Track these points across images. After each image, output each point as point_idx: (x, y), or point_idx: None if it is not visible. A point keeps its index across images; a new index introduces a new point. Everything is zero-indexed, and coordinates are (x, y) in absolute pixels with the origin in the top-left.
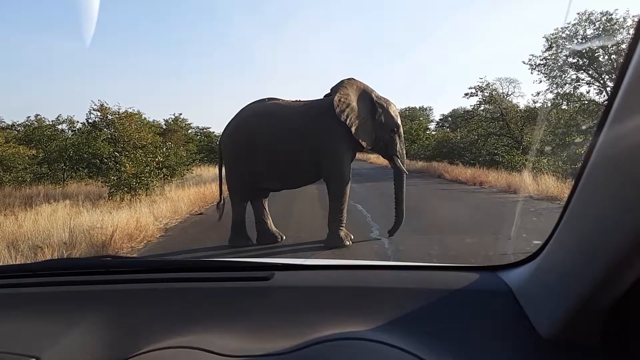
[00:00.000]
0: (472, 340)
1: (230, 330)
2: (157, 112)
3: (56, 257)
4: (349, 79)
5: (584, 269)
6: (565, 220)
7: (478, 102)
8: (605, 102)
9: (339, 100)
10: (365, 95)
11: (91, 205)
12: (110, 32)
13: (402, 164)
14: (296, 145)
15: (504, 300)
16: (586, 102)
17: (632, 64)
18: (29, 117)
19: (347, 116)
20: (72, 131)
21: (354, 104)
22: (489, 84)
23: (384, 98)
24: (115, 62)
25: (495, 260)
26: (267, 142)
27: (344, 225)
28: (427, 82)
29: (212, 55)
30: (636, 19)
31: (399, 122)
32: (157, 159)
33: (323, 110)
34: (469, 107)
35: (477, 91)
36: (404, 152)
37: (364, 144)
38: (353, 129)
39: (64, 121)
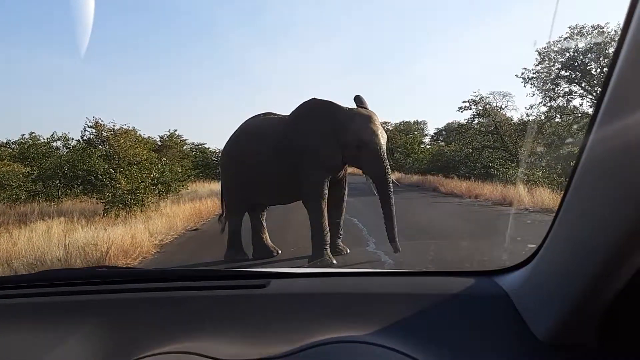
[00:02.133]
0: (470, 344)
1: (226, 336)
2: (152, 129)
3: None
4: (307, 101)
5: (577, 272)
6: (558, 225)
7: (472, 116)
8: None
9: (295, 129)
10: (324, 117)
11: (86, 222)
12: (104, 48)
13: (383, 180)
14: (278, 164)
15: (500, 304)
16: (579, 114)
17: (617, 68)
18: (23, 134)
19: (307, 144)
20: (66, 148)
21: (312, 128)
22: (482, 97)
23: (351, 114)
24: (110, 78)
25: (490, 265)
26: (254, 159)
27: (327, 242)
28: (422, 96)
29: (208, 71)
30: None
31: (367, 137)
32: (152, 175)
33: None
34: (463, 121)
35: (471, 105)
36: (383, 166)
37: (331, 167)
38: (319, 154)
39: (58, 138)
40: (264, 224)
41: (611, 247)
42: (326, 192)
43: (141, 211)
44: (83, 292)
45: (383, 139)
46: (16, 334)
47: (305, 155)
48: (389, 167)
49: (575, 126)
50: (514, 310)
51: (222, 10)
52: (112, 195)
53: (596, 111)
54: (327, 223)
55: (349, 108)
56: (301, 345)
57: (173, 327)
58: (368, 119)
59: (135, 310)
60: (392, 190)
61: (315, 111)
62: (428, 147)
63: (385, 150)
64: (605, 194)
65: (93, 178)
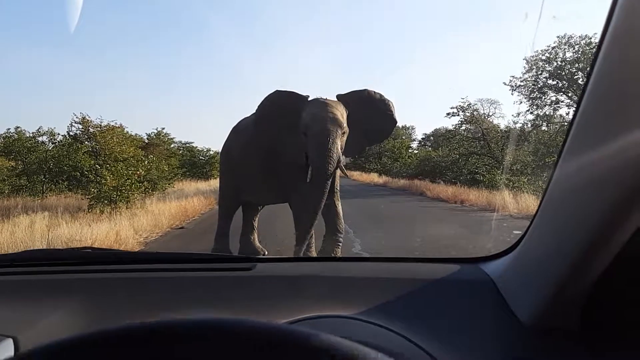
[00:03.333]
0: (454, 325)
1: (212, 314)
2: (140, 126)
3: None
4: (272, 93)
5: (559, 257)
6: (541, 213)
7: (459, 122)
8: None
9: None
10: (290, 107)
11: (70, 218)
12: (94, 44)
13: (319, 171)
14: (255, 162)
15: (484, 290)
16: (566, 123)
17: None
18: (8, 129)
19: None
20: (52, 143)
21: (274, 120)
22: (470, 104)
23: (313, 100)
24: (98, 75)
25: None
26: (238, 157)
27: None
28: (410, 102)
29: (198, 70)
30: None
31: (310, 121)
32: (138, 172)
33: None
34: (450, 127)
35: (458, 111)
36: (324, 155)
37: (296, 160)
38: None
39: (44, 133)
40: (255, 224)
41: (588, 237)
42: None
43: (126, 208)
44: (67, 272)
45: (333, 126)
46: None
47: (273, 150)
48: (333, 158)
49: (561, 135)
50: (498, 295)
51: (214, 11)
52: (97, 191)
53: (576, 112)
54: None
55: (310, 99)
56: (286, 321)
57: (158, 306)
58: (318, 104)
59: (121, 289)
60: (328, 185)
61: (278, 104)
62: (415, 152)
63: (331, 140)
64: (582, 190)
65: (78, 174)
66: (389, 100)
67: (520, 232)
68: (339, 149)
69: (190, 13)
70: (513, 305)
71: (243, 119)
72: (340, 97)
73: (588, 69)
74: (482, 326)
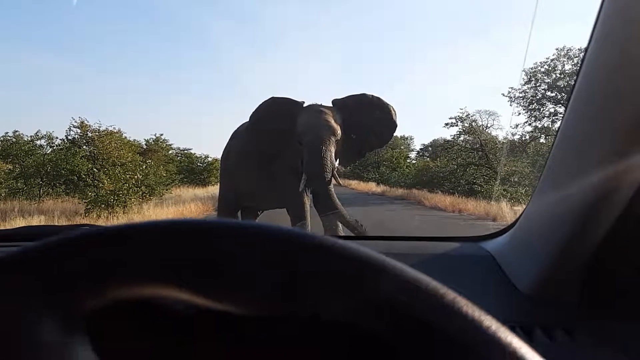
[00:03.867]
0: None
1: None
2: (139, 132)
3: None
4: (267, 100)
5: (556, 229)
6: (539, 188)
7: (458, 133)
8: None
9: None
10: (285, 114)
11: (67, 221)
12: (94, 49)
13: (314, 177)
14: (252, 167)
15: (485, 264)
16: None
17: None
18: (6, 132)
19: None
20: (50, 147)
21: (269, 127)
22: (468, 115)
23: (308, 107)
24: (98, 79)
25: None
26: (236, 162)
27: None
28: (409, 112)
29: (197, 77)
30: None
31: (303, 128)
32: (135, 177)
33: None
34: (449, 137)
35: (457, 121)
36: (317, 161)
37: (292, 165)
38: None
39: (42, 137)
40: None
41: (582, 210)
42: (306, 195)
43: (123, 212)
44: None
45: (326, 134)
46: None
47: (270, 156)
48: (327, 167)
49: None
50: (498, 269)
51: (214, 17)
52: (94, 195)
53: (578, 74)
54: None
55: (305, 105)
56: None
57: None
58: (312, 111)
59: None
60: (328, 192)
61: (273, 111)
62: (414, 162)
63: (324, 147)
64: (577, 166)
65: (76, 178)
66: (388, 105)
67: (520, 209)
68: (333, 157)
69: (190, 19)
70: (513, 277)
71: (242, 125)
72: (336, 102)
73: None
74: (484, 298)
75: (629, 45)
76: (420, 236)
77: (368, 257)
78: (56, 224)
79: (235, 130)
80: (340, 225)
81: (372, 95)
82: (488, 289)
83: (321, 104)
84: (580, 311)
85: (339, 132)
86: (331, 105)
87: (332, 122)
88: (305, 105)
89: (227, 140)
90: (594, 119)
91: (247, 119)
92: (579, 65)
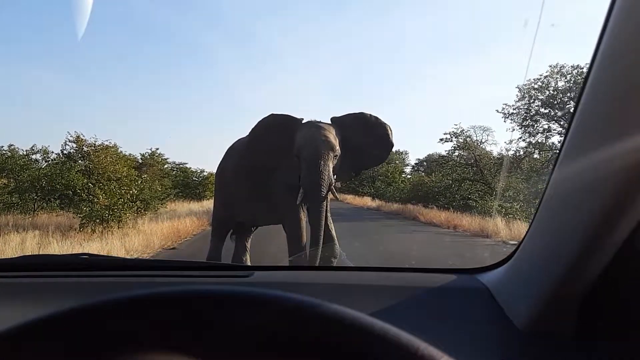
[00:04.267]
0: (451, 333)
1: None
2: (134, 146)
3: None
4: (267, 117)
5: (553, 264)
6: (535, 223)
7: (453, 148)
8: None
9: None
10: (284, 130)
11: (61, 236)
12: (90, 64)
13: (311, 193)
14: (246, 183)
15: (481, 299)
16: (557, 151)
17: (580, 106)
18: (1, 146)
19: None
20: (46, 162)
21: (268, 143)
22: (463, 130)
23: (307, 123)
24: (93, 94)
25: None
26: (233, 179)
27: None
28: (404, 127)
29: (194, 91)
30: None
31: (301, 143)
32: (131, 192)
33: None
34: (444, 153)
35: (452, 137)
36: (314, 177)
37: (290, 182)
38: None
39: (38, 151)
40: (247, 246)
41: (579, 246)
42: (302, 211)
43: (118, 227)
44: (65, 276)
45: (325, 149)
46: None
47: (267, 173)
48: (324, 181)
49: (553, 163)
50: (494, 303)
51: (210, 33)
52: (89, 210)
53: (570, 121)
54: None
55: (304, 122)
56: None
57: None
58: (311, 127)
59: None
60: (323, 208)
61: (272, 127)
62: (409, 176)
63: (323, 162)
64: (575, 200)
65: (71, 192)
66: (385, 124)
67: (516, 243)
68: (331, 172)
69: (187, 35)
70: (509, 312)
71: (238, 140)
72: (334, 120)
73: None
74: (479, 333)
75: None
76: (415, 267)
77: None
78: (50, 239)
79: (231, 146)
80: (335, 254)
81: (370, 114)
82: (484, 325)
83: (320, 121)
84: (576, 345)
85: (338, 148)
86: (330, 122)
87: (331, 137)
88: (303, 121)
89: (223, 156)
90: (595, 153)
91: (244, 135)
92: (572, 82)
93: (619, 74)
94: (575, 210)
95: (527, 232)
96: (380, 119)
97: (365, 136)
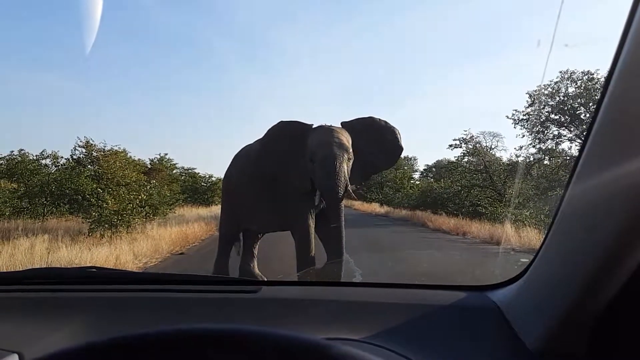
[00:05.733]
0: (461, 353)
1: None
2: (143, 151)
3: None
4: (277, 124)
5: (566, 285)
6: (549, 241)
7: (462, 154)
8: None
9: (263, 153)
10: (295, 136)
11: (70, 241)
12: (101, 70)
13: (330, 197)
14: (254, 189)
15: (491, 317)
16: (568, 157)
17: (596, 123)
18: (12, 151)
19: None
20: (55, 166)
21: (280, 149)
22: (472, 136)
23: (318, 127)
24: (103, 99)
25: (483, 280)
26: (241, 185)
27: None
28: (413, 133)
29: (202, 97)
30: None
31: (316, 147)
32: (140, 197)
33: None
34: (452, 158)
35: (461, 143)
36: (332, 180)
37: (300, 188)
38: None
39: (48, 156)
40: (255, 252)
41: (594, 265)
42: (311, 217)
43: (127, 232)
44: (73, 290)
45: (339, 150)
46: (4, 324)
47: (279, 179)
48: (341, 182)
49: (563, 169)
50: (505, 322)
51: (220, 38)
52: (98, 215)
53: (585, 139)
54: (313, 247)
55: (314, 127)
56: None
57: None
58: (323, 130)
59: (126, 309)
60: (341, 209)
61: (283, 133)
62: (417, 182)
63: (338, 164)
64: (589, 219)
65: (80, 197)
66: (394, 128)
67: (527, 260)
68: (346, 174)
69: (197, 40)
70: (520, 331)
71: (245, 147)
72: (344, 124)
73: (591, 105)
74: (489, 352)
75: None
76: (425, 284)
77: None
78: (59, 243)
79: (238, 153)
80: (343, 268)
81: (379, 119)
82: (494, 344)
83: (331, 125)
84: None
85: (351, 151)
86: (340, 126)
87: (344, 140)
88: (314, 127)
89: (230, 163)
90: (613, 170)
91: (253, 140)
92: (582, 88)
93: (637, 92)
94: (592, 229)
95: (539, 249)
96: (389, 123)
97: (375, 140)
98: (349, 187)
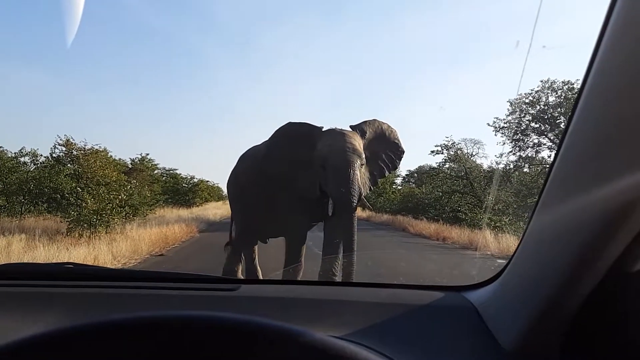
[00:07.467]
0: (437, 352)
1: None
2: (124, 151)
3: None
4: (285, 125)
5: (540, 286)
6: (524, 243)
7: (443, 160)
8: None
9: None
10: (304, 137)
11: (48, 240)
12: (81, 67)
13: (343, 204)
14: (258, 195)
15: (467, 317)
16: (547, 165)
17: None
18: None
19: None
20: (34, 164)
21: (287, 152)
22: (454, 143)
23: (322, 132)
24: (84, 97)
25: (461, 282)
26: (247, 187)
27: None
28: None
29: (186, 97)
30: None
31: (328, 153)
32: (120, 197)
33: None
34: (434, 165)
35: (442, 149)
36: (346, 187)
37: (307, 194)
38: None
39: (26, 154)
40: (256, 253)
41: (568, 267)
42: (303, 231)
43: (106, 232)
44: (50, 286)
45: (353, 157)
46: None
47: (283, 184)
48: (355, 190)
49: (542, 177)
50: (480, 322)
51: (206, 39)
52: (77, 215)
53: (561, 141)
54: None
55: (324, 129)
56: None
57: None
58: (335, 135)
59: (103, 305)
60: (355, 219)
61: (291, 136)
62: (399, 187)
63: (352, 171)
64: (565, 219)
65: (59, 196)
66: (395, 130)
67: (504, 261)
68: (360, 181)
69: (182, 40)
70: (495, 332)
71: (251, 148)
72: (354, 128)
73: (566, 121)
74: (465, 352)
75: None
76: (403, 284)
77: None
78: (37, 242)
79: (245, 154)
80: (337, 268)
81: (382, 122)
82: (470, 344)
83: (342, 128)
84: None
85: (363, 156)
86: (350, 130)
87: (357, 145)
88: (323, 129)
89: (236, 163)
90: (587, 171)
91: (238, 142)
92: (562, 97)
93: (600, 124)
94: (566, 231)
95: (516, 250)
96: (391, 126)
97: (382, 144)
98: (363, 195)
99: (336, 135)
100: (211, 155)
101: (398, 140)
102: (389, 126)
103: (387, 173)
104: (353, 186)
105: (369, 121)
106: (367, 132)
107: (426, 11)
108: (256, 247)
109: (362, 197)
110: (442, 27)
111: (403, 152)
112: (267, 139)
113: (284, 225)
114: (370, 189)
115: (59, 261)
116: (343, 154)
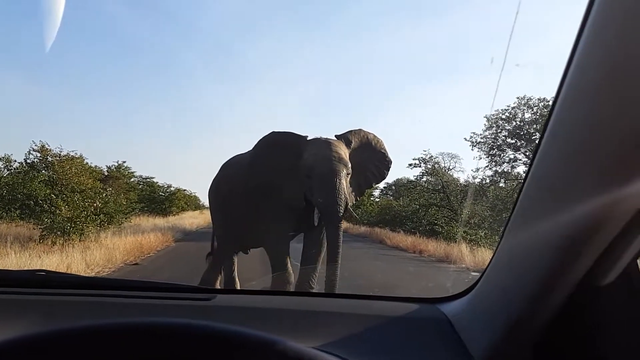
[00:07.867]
0: None
1: None
2: (101, 158)
3: None
4: (269, 134)
5: (511, 300)
6: (497, 256)
7: (421, 174)
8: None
9: (254, 164)
10: (289, 147)
11: (20, 248)
12: (57, 72)
13: (330, 213)
14: (240, 205)
15: (441, 329)
16: (522, 181)
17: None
18: None
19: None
20: (8, 170)
21: (272, 161)
22: (432, 156)
23: (314, 140)
24: (60, 103)
25: (436, 294)
26: (229, 197)
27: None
28: None
29: (162, 105)
30: None
31: (314, 162)
32: (95, 204)
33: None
34: (412, 178)
35: (420, 163)
36: (332, 196)
37: (293, 203)
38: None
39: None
40: (235, 263)
41: (539, 281)
42: (283, 240)
43: (80, 240)
44: (20, 293)
45: (339, 166)
46: None
47: (267, 193)
48: (342, 200)
49: (518, 192)
50: (454, 334)
51: (184, 46)
52: (50, 222)
53: (535, 151)
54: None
55: (309, 138)
56: None
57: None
58: (321, 144)
59: (75, 314)
60: (340, 229)
61: (275, 145)
62: (377, 200)
63: (339, 180)
64: (535, 235)
65: (32, 202)
66: (381, 140)
67: (478, 274)
68: (346, 190)
69: (159, 47)
70: (468, 344)
71: (235, 156)
72: (339, 137)
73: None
74: None
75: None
76: (379, 295)
77: None
78: (8, 249)
79: (227, 162)
80: (314, 279)
81: (369, 132)
82: (443, 355)
83: (327, 137)
84: None
85: (349, 165)
86: (336, 139)
87: (343, 154)
88: (309, 139)
89: (217, 172)
90: (553, 196)
91: (216, 152)
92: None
93: (570, 143)
94: (537, 245)
95: (489, 264)
96: (377, 136)
97: (369, 154)
98: (349, 206)
99: (322, 144)
100: (188, 165)
101: (385, 150)
102: (375, 136)
103: (374, 183)
104: (339, 195)
105: (355, 131)
106: (353, 141)
107: (404, 28)
108: (236, 258)
109: (349, 207)
110: (421, 43)
111: (390, 162)
112: (249, 148)
113: (266, 235)
114: (356, 199)
115: (30, 268)
116: (329, 163)
